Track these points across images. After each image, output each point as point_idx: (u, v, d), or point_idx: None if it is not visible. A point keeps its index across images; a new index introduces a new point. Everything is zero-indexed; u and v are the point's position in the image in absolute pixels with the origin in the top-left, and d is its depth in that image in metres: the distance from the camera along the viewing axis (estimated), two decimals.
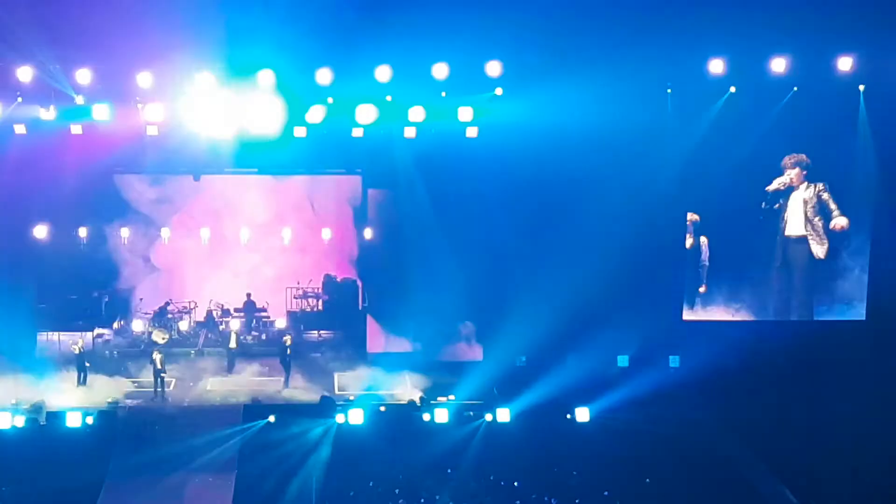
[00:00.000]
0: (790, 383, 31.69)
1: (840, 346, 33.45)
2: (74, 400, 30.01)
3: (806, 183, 33.57)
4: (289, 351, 32.10)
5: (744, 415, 30.31)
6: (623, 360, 32.03)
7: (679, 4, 29.98)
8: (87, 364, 31.41)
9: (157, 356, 30.99)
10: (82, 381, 31.14)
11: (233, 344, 33.39)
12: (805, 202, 33.69)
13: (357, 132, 31.64)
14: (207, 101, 30.24)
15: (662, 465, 28.49)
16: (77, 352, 31.43)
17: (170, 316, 35.56)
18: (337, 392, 31.39)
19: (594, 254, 31.71)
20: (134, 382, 31.81)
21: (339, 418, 28.85)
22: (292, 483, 27.22)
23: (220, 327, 35.60)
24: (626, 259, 32.17)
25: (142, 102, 30.25)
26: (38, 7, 29.08)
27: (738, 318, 34.09)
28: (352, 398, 30.57)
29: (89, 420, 28.63)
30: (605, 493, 27.54)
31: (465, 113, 31.15)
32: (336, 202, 36.86)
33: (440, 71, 30.55)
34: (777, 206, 33.63)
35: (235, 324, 35.04)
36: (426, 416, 29.57)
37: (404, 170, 32.78)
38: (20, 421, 28.38)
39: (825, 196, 33.66)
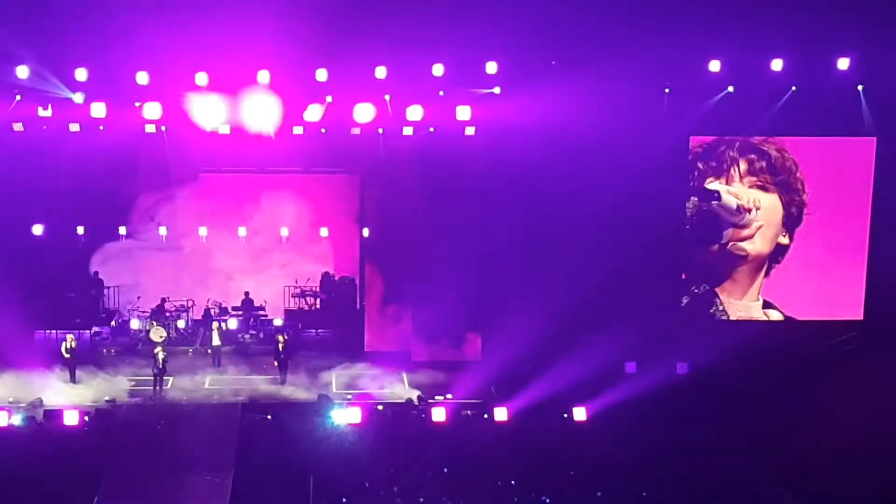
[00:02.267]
0: (789, 383, 31.69)
1: (838, 346, 33.53)
2: (72, 398, 30.03)
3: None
4: (280, 347, 32.12)
5: (741, 414, 30.27)
6: (631, 367, 31.93)
7: (677, 4, 30.00)
8: (67, 355, 31.45)
9: (160, 354, 31.03)
10: (72, 380, 31.26)
11: (216, 341, 33.43)
12: None
13: (355, 131, 31.69)
14: (205, 100, 30.27)
15: (660, 465, 28.48)
16: (66, 355, 31.47)
17: (167, 314, 35.57)
18: (334, 390, 31.40)
19: (593, 252, 31.77)
20: (131, 381, 31.82)
21: (337, 417, 28.85)
22: (289, 482, 27.20)
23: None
24: (624, 256, 32.23)
25: (139, 101, 30.26)
26: (36, 5, 29.06)
27: None
28: (349, 397, 30.58)
29: (87, 418, 28.64)
30: (598, 493, 27.52)
31: (463, 112, 31.16)
32: (334, 201, 36.89)
33: (438, 70, 30.56)
34: None
35: (233, 323, 35.15)
36: (423, 415, 29.58)
37: (402, 168, 32.77)
38: (18, 419, 28.39)
39: None
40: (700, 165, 33.67)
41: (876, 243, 33.86)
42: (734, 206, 33.61)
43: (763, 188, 33.83)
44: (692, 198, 33.69)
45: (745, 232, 33.95)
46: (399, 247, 33.86)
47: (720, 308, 34.62)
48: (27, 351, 32.34)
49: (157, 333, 34.18)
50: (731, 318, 34.57)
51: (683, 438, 28.93)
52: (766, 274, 34.49)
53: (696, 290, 34.55)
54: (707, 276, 34.47)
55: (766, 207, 33.95)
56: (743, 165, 33.62)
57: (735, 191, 33.72)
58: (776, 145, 33.56)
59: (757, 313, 34.64)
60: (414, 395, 31.07)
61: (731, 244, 34.03)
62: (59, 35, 29.14)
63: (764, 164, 33.62)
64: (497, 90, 31.16)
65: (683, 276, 34.38)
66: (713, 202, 33.59)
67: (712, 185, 33.69)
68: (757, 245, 34.12)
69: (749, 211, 33.72)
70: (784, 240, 34.19)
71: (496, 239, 32.66)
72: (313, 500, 27.00)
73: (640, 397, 29.94)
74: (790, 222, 34.07)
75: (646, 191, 32.04)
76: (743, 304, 34.57)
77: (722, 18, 30.15)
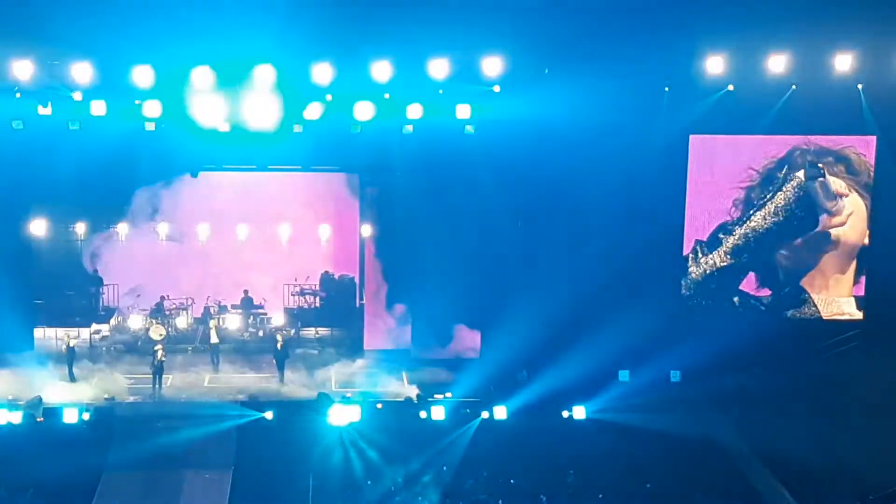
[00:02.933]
0: (788, 382, 31.67)
1: (837, 345, 33.53)
2: (71, 396, 30.02)
3: None
4: (279, 346, 32.11)
5: (741, 413, 30.29)
6: (624, 375, 31.87)
7: (677, 2, 29.98)
8: (66, 353, 31.44)
9: (159, 352, 31.04)
10: (71, 377, 31.27)
11: (214, 339, 33.46)
12: None
13: (355, 129, 31.67)
14: (205, 97, 30.25)
15: (660, 464, 28.49)
16: (65, 350, 31.50)
17: (167, 312, 35.57)
18: (334, 388, 31.39)
19: (592, 249, 31.73)
20: (130, 378, 31.79)
21: (336, 415, 28.86)
22: (289, 479, 27.21)
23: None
24: (623, 254, 32.21)
25: (139, 99, 30.26)
26: (36, 2, 29.03)
27: None
28: (349, 395, 30.57)
29: (86, 416, 28.66)
30: (600, 495, 27.52)
31: (462, 110, 31.14)
32: (333, 199, 36.85)
33: (438, 68, 30.54)
34: None
35: (233, 321, 35.16)
36: (423, 414, 29.59)
37: (402, 167, 32.73)
38: (17, 417, 28.38)
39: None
40: (779, 175, 33.56)
41: (875, 242, 33.80)
42: (832, 189, 33.39)
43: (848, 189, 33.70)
44: (784, 188, 33.46)
45: (837, 219, 33.66)
46: (399, 245, 33.86)
47: (810, 303, 34.29)
48: (27, 349, 32.37)
49: (157, 331, 34.21)
50: (822, 315, 34.21)
51: (682, 437, 28.95)
52: (857, 278, 34.20)
53: (786, 290, 34.25)
54: (795, 267, 34.13)
55: (855, 206, 33.73)
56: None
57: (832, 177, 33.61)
58: (852, 147, 33.34)
59: (849, 308, 34.30)
60: (413, 393, 31.05)
61: (825, 229, 33.79)
62: (59, 33, 29.06)
63: (843, 167, 33.46)
64: (497, 88, 31.13)
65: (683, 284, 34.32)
66: (819, 179, 33.27)
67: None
68: (847, 232, 33.78)
69: (842, 196, 33.49)
70: (867, 241, 33.96)
71: (496, 237, 32.68)
72: (312, 498, 27.02)
73: (639, 398, 30.02)
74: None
75: (645, 189, 32.03)
76: (833, 299, 34.26)
77: (722, 17, 30.08)
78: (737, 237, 33.88)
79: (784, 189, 33.59)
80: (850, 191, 33.58)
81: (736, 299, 34.30)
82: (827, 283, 34.21)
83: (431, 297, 33.11)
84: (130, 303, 36.06)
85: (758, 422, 29.90)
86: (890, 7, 30.21)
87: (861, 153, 33.43)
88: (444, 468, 28.27)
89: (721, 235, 33.93)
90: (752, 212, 33.73)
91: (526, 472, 28.33)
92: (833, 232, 33.80)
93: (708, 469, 28.61)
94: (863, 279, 34.13)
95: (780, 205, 33.64)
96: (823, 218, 33.72)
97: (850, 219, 33.73)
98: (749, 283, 34.24)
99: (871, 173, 33.55)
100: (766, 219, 33.73)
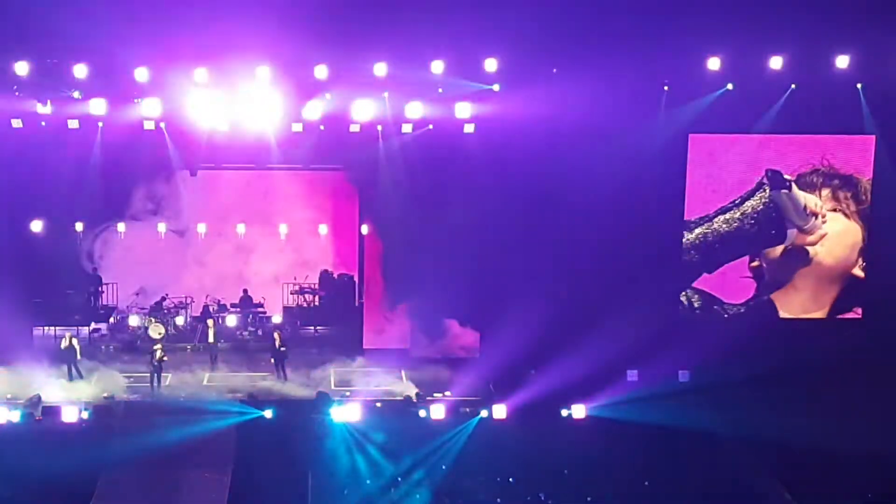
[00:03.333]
0: (788, 382, 31.68)
1: (837, 345, 33.54)
2: (70, 394, 30.01)
3: None
4: (278, 345, 32.11)
5: (741, 413, 30.28)
6: (632, 375, 31.86)
7: (677, 2, 29.98)
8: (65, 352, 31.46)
9: (158, 351, 31.04)
10: (76, 376, 31.22)
11: (211, 339, 33.47)
12: None
13: (354, 128, 31.67)
14: (204, 96, 30.25)
15: (658, 464, 28.49)
16: (64, 349, 31.52)
17: (166, 311, 35.58)
18: (333, 388, 31.39)
19: (591, 249, 31.75)
20: (129, 377, 31.78)
21: (336, 414, 28.87)
22: (288, 479, 27.21)
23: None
24: (622, 253, 32.23)
25: (138, 97, 30.25)
26: (35, 2, 29.03)
27: None
28: (348, 394, 30.58)
29: (85, 415, 28.67)
30: (588, 498, 27.50)
31: (462, 109, 31.15)
32: (333, 198, 36.85)
33: (438, 67, 30.54)
34: None
35: (232, 320, 35.16)
36: (422, 413, 29.59)
37: (401, 165, 32.74)
38: (16, 416, 28.38)
39: None
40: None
41: (875, 242, 33.80)
42: (801, 205, 33.21)
43: (845, 214, 33.55)
44: (754, 196, 33.34)
45: (810, 238, 33.51)
46: (398, 244, 33.83)
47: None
48: (25, 348, 32.35)
49: (156, 330, 34.21)
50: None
51: (681, 437, 28.95)
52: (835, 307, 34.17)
53: (764, 298, 34.16)
54: (770, 279, 34.01)
55: (841, 231, 33.62)
56: (825, 191, 33.38)
57: (804, 194, 33.45)
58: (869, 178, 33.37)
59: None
60: (412, 392, 31.06)
61: (795, 244, 33.65)
62: (58, 32, 29.06)
63: (849, 193, 33.40)
64: (496, 87, 31.14)
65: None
66: (783, 191, 33.14)
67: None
68: (821, 253, 33.68)
69: (815, 216, 33.35)
70: (859, 272, 33.92)
71: (495, 236, 32.64)
72: (312, 498, 27.02)
73: (639, 397, 30.01)
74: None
75: (644, 188, 32.05)
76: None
77: (721, 16, 30.11)
78: (694, 236, 33.81)
79: (753, 198, 33.53)
80: (822, 210, 33.41)
81: (694, 297, 34.20)
82: (800, 309, 34.22)
83: (431, 296, 33.07)
84: (130, 302, 36.07)
85: (756, 422, 29.90)
86: (890, 7, 30.23)
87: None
88: (443, 467, 28.27)
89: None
90: (715, 214, 33.71)
91: (525, 471, 28.31)
92: (810, 250, 33.75)
93: (706, 468, 28.59)
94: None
95: (746, 212, 33.54)
96: (793, 232, 33.63)
97: (827, 241, 33.65)
98: (734, 293, 34.25)
99: None
100: (729, 223, 33.62)
